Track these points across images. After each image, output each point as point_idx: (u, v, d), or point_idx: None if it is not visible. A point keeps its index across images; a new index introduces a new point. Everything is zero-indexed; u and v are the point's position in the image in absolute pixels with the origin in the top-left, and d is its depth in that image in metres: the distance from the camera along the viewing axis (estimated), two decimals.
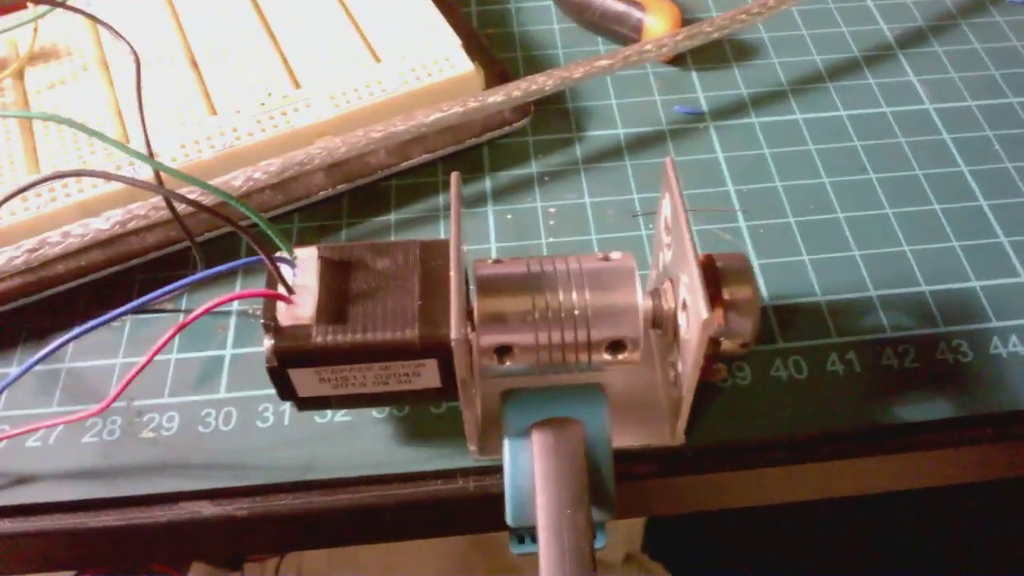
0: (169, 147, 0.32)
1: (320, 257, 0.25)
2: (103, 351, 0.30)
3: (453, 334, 0.22)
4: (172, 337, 0.24)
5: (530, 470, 0.24)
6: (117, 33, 0.31)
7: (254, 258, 0.24)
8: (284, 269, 0.24)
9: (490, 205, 0.34)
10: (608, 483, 0.25)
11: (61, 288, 0.31)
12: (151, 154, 0.29)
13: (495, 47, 0.40)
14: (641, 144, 0.36)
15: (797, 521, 0.69)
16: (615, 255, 0.26)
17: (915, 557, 0.69)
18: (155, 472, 0.27)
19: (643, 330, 0.25)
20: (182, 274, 0.32)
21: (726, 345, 0.25)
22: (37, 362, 0.25)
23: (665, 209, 0.26)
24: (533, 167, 0.36)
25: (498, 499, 0.25)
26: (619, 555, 0.72)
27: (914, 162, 0.35)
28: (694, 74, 0.39)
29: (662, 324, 0.26)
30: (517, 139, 0.36)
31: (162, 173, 0.28)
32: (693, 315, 0.22)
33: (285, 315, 0.24)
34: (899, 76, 0.39)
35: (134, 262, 0.32)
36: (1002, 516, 0.67)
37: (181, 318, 0.31)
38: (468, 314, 0.24)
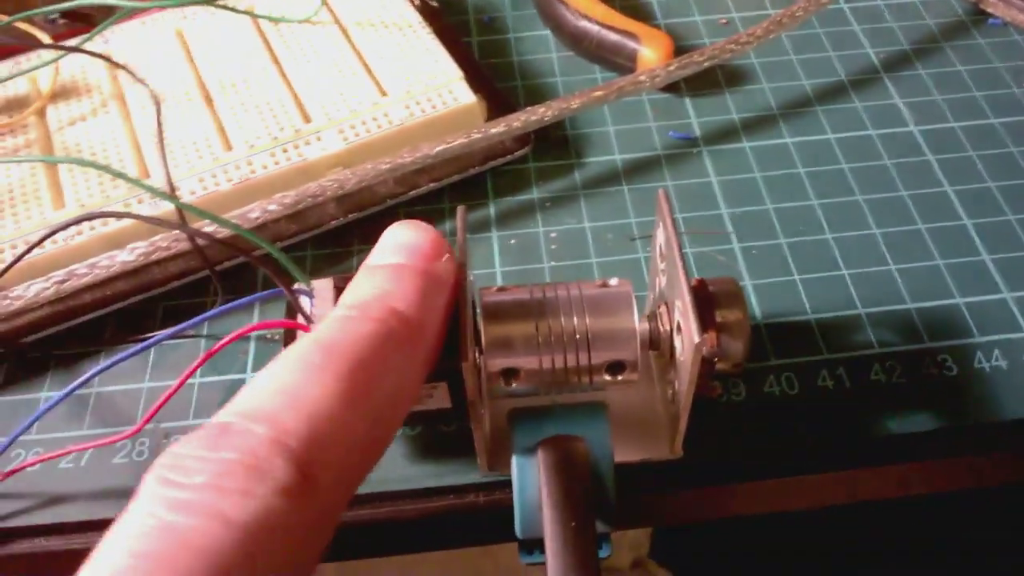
0: (188, 181, 0.34)
1: (336, 287, 0.27)
2: (130, 376, 0.32)
3: (463, 359, 0.24)
4: (199, 366, 0.26)
5: (537, 485, 0.26)
6: (138, 78, 0.33)
7: (275, 290, 0.26)
8: (302, 300, 0.26)
9: (494, 231, 0.36)
10: (611, 496, 0.27)
11: (88, 316, 0.33)
12: (173, 190, 0.31)
13: (496, 76, 0.42)
14: (637, 169, 0.38)
15: (804, 525, 0.70)
16: (613, 281, 0.27)
17: (916, 560, 0.71)
18: None
19: (640, 353, 0.26)
20: (202, 301, 0.34)
21: (720, 365, 0.27)
22: (75, 389, 0.27)
23: (659, 238, 0.27)
24: (535, 193, 0.37)
25: (507, 512, 0.27)
26: (627, 561, 0.74)
27: (899, 183, 0.37)
28: (687, 100, 0.41)
29: (659, 346, 0.27)
30: (519, 166, 0.38)
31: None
32: (687, 339, 0.24)
33: None
34: (884, 99, 0.41)
35: (157, 291, 0.33)
36: (992, 521, 0.69)
37: (202, 343, 0.33)
38: (476, 339, 0.26)
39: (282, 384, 0.20)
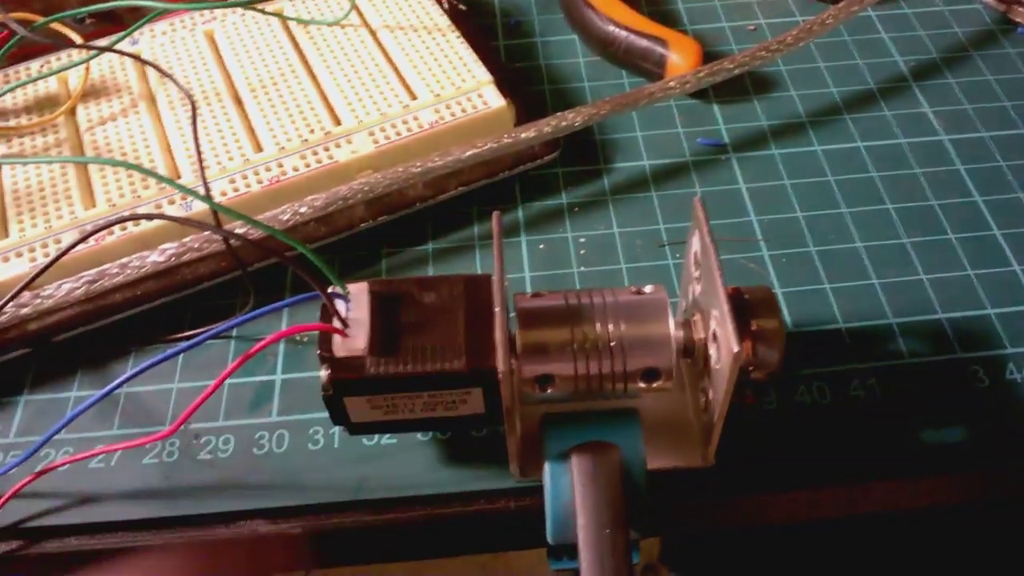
0: (218, 182, 0.34)
1: (371, 291, 0.27)
2: (160, 377, 0.32)
3: (500, 366, 0.24)
4: (235, 368, 0.26)
5: (570, 492, 0.26)
6: (174, 80, 0.33)
7: (310, 294, 0.26)
8: (337, 303, 0.26)
9: (523, 235, 0.36)
10: (643, 503, 0.26)
11: (118, 316, 0.33)
12: (208, 192, 0.31)
13: (522, 80, 0.42)
14: (666, 175, 0.38)
15: (820, 534, 0.70)
16: (648, 288, 0.27)
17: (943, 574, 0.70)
18: (213, 492, 0.29)
19: (675, 360, 0.26)
20: (231, 302, 0.34)
21: (753, 374, 0.27)
22: (115, 388, 0.27)
23: (695, 246, 0.27)
24: (563, 198, 0.37)
25: (537, 518, 0.27)
26: (637, 566, 0.74)
27: (929, 192, 0.37)
28: (715, 107, 0.41)
29: (693, 354, 0.27)
30: (548, 171, 0.38)
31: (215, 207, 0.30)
32: (724, 348, 0.24)
33: (340, 347, 0.25)
34: (914, 108, 0.41)
35: (187, 291, 0.34)
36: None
37: (232, 344, 0.33)
38: (511, 345, 0.26)
39: None
